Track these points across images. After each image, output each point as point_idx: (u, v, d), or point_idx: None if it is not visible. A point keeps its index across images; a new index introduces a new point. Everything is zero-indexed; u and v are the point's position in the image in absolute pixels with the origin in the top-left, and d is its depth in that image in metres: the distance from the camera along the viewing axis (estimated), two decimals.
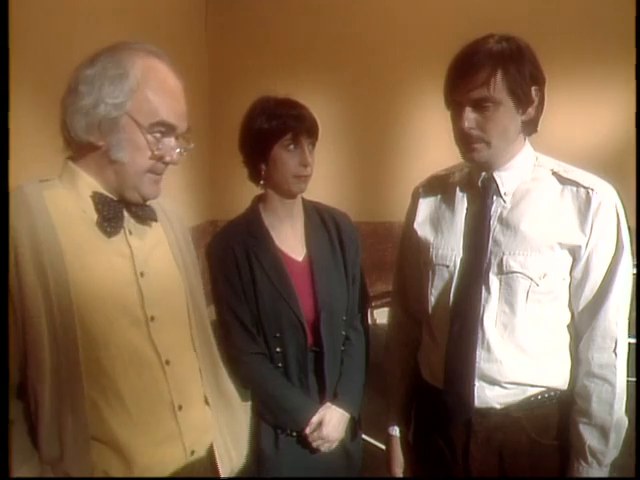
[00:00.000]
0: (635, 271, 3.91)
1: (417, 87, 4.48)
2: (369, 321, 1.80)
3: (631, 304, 1.31)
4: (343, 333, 1.65)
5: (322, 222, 1.67)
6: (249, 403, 1.40)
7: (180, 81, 1.13)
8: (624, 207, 1.32)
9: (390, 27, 4.67)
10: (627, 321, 1.32)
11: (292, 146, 1.53)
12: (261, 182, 1.61)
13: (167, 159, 1.11)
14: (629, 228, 1.31)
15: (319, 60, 4.75)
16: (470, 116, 1.26)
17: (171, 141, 1.11)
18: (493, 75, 1.22)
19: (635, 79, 3.52)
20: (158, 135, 1.09)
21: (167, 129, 1.10)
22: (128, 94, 1.05)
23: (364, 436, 1.78)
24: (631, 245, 1.31)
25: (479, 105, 1.25)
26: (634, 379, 1.57)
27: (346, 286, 1.65)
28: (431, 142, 4.50)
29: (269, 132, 1.52)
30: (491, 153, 1.30)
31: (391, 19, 4.67)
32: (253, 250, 1.57)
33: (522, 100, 1.26)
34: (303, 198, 1.68)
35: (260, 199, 1.65)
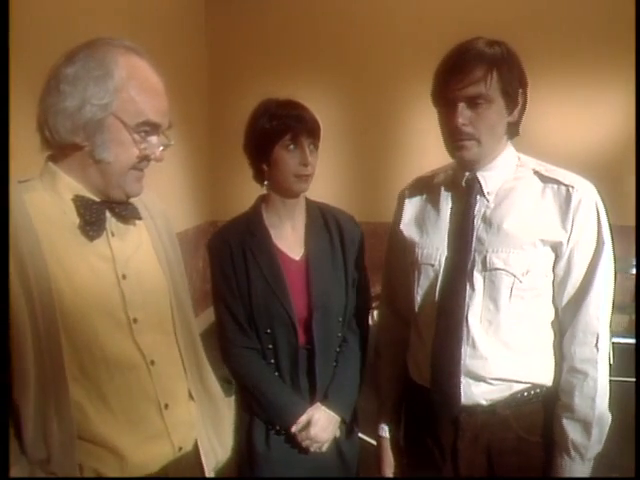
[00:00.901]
0: (635, 271, 3.90)
1: (418, 87, 4.47)
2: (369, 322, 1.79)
3: (628, 304, 1.32)
4: (339, 335, 1.65)
5: (324, 223, 1.67)
6: (232, 398, 1.41)
7: (160, 77, 1.13)
8: (614, 204, 1.35)
9: (391, 28, 4.68)
10: (609, 316, 1.34)
11: (292, 146, 1.54)
12: (265, 183, 1.62)
13: (152, 157, 1.11)
14: (629, 227, 1.32)
15: (319, 61, 4.76)
16: (464, 112, 1.28)
17: (154, 139, 1.11)
18: (490, 73, 1.26)
19: (635, 80, 3.53)
20: (143, 134, 1.09)
21: (152, 128, 1.10)
22: (113, 94, 1.04)
23: (361, 435, 1.77)
24: (617, 244, 1.32)
25: (472, 102, 1.27)
26: (634, 379, 1.57)
27: (345, 288, 1.64)
28: (431, 142, 4.48)
29: (270, 132, 1.54)
30: (480, 151, 1.32)
31: (391, 20, 4.68)
32: (249, 246, 1.59)
33: (512, 100, 1.30)
34: (307, 198, 1.68)
35: (263, 199, 1.66)
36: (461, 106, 1.28)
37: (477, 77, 1.25)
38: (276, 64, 4.73)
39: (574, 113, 4.42)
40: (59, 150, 1.09)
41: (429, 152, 4.63)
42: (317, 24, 4.81)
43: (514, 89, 1.29)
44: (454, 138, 1.32)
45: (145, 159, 1.11)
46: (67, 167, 1.09)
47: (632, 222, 2.66)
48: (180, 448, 1.19)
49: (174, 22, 4.36)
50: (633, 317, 3.72)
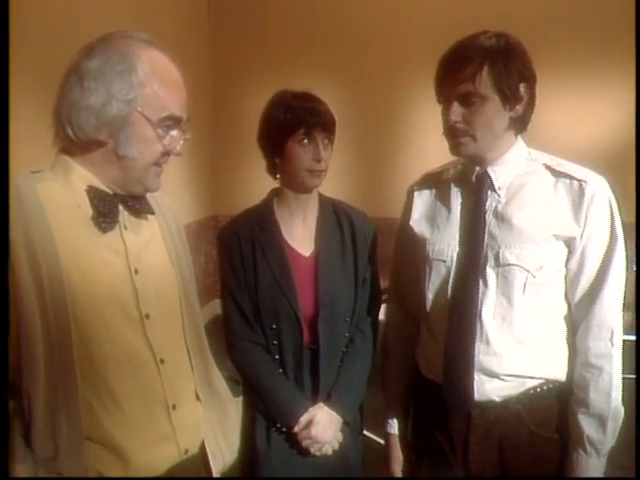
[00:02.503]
0: (635, 269, 3.89)
1: (424, 82, 4.46)
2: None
3: (631, 301, 1.32)
4: (347, 335, 1.62)
5: (336, 220, 1.65)
6: (240, 399, 1.39)
7: (179, 70, 1.11)
8: (617, 200, 1.33)
9: (396, 23, 4.65)
10: (622, 311, 1.34)
11: (306, 140, 1.51)
12: (277, 176, 1.60)
13: (173, 152, 1.10)
14: (629, 224, 1.32)
15: (322, 56, 4.74)
16: (457, 110, 1.29)
17: (176, 133, 1.10)
18: (479, 70, 1.25)
19: (635, 77, 3.51)
20: (166, 129, 1.07)
21: (174, 122, 1.09)
22: (138, 89, 1.03)
23: (366, 432, 1.76)
24: (629, 242, 1.31)
25: (466, 100, 1.28)
26: (634, 376, 1.56)
27: (354, 287, 1.62)
28: (434, 138, 4.48)
29: (283, 126, 1.51)
30: (477, 147, 1.32)
31: (396, 15, 4.65)
32: (259, 240, 1.57)
33: (509, 97, 1.28)
34: (320, 194, 1.66)
35: (275, 192, 1.64)
36: (455, 104, 1.29)
37: (466, 75, 1.25)
38: (280, 59, 4.71)
39: (577, 110, 4.40)
40: (78, 146, 1.06)
41: (432, 148, 4.61)
42: (321, 19, 4.79)
43: (511, 85, 1.27)
44: (450, 134, 1.33)
45: (167, 154, 1.10)
46: (82, 160, 1.07)
47: (632, 219, 2.64)
48: (186, 451, 1.18)
49: (177, 17, 4.35)
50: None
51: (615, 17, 4.11)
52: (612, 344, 1.31)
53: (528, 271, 1.30)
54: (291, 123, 1.50)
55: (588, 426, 1.33)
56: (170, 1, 4.26)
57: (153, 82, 1.04)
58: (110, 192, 1.09)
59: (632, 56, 3.06)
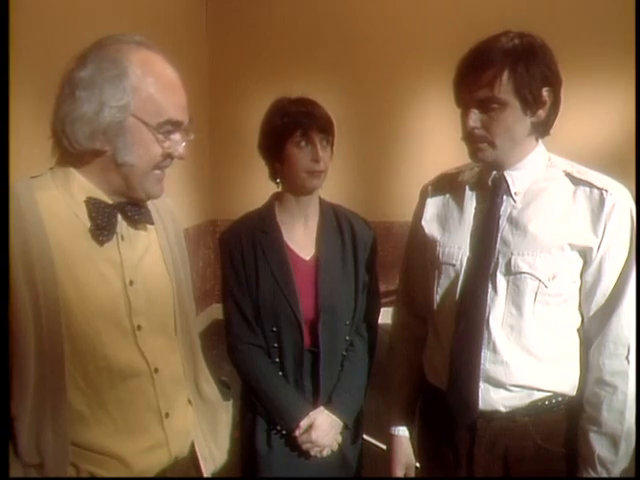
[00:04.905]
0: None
1: (419, 87, 4.47)
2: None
3: None
4: (347, 338, 1.63)
5: (337, 225, 1.66)
6: (230, 403, 1.40)
7: (175, 70, 1.09)
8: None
9: (395, 25, 4.66)
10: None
11: (303, 142, 1.53)
12: (277, 180, 1.62)
13: (175, 154, 1.09)
14: None
15: (320, 59, 4.75)
16: (475, 116, 1.25)
17: (177, 136, 1.09)
18: (499, 75, 1.20)
19: (635, 79, 3.53)
20: (166, 133, 1.06)
21: (174, 126, 1.07)
22: (130, 93, 1.01)
23: (365, 436, 1.76)
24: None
25: (485, 105, 1.23)
26: None
27: (354, 291, 1.63)
28: (431, 142, 4.50)
29: (281, 129, 1.54)
30: (496, 154, 1.28)
31: (396, 17, 4.66)
32: (260, 243, 1.59)
33: (530, 102, 1.23)
34: (321, 199, 1.68)
35: (277, 197, 1.66)
36: (473, 109, 1.25)
37: (486, 81, 1.21)
38: (278, 63, 4.72)
39: (579, 113, 4.41)
40: (77, 156, 1.05)
41: (429, 152, 4.64)
42: (319, 23, 4.80)
43: (533, 89, 1.22)
44: (468, 140, 1.29)
45: (168, 157, 1.09)
46: (82, 169, 1.06)
47: None
48: (177, 456, 1.19)
49: (175, 21, 4.35)
50: None
51: (615, 17, 4.12)
52: (628, 362, 1.27)
53: (540, 280, 1.26)
54: (288, 126, 1.52)
55: (599, 446, 1.28)
56: (168, 5, 4.27)
57: (147, 85, 1.03)
58: (110, 202, 1.08)
59: (632, 57, 3.08)
